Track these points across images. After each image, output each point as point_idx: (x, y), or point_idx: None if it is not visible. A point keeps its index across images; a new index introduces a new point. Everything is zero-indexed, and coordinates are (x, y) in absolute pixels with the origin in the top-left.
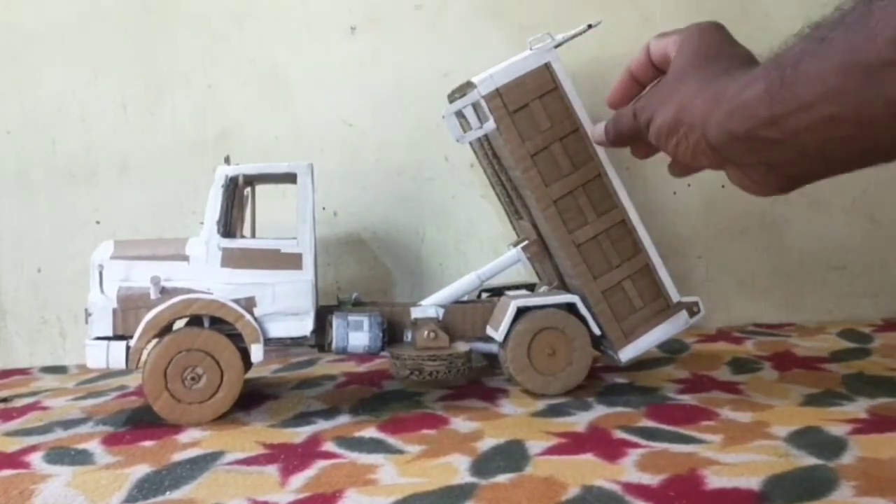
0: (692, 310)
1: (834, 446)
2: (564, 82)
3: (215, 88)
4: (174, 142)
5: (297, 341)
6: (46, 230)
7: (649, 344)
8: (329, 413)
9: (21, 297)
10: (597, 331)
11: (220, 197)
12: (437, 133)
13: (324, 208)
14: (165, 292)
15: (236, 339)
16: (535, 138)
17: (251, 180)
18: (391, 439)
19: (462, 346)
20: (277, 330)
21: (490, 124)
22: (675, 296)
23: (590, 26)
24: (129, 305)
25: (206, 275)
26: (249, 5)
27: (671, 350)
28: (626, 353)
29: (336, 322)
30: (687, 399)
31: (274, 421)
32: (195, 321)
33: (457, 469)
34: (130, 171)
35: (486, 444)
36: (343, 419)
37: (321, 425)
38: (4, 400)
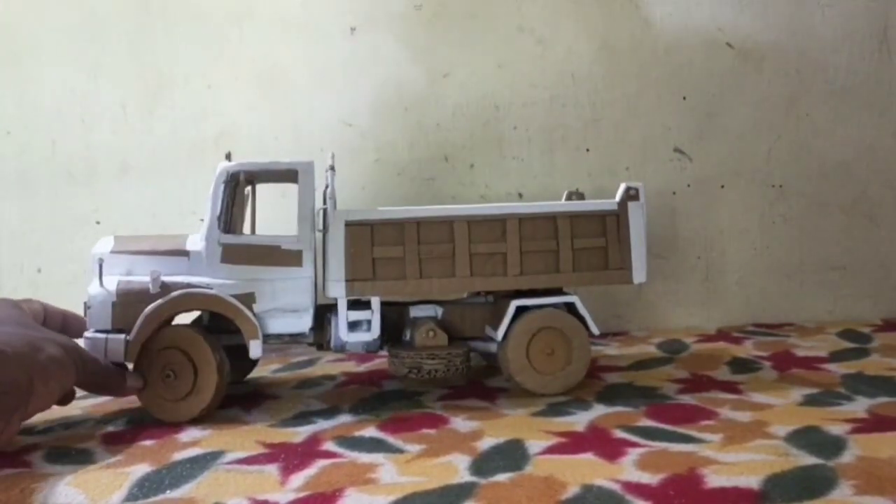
0: (631, 195)
1: (833, 446)
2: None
3: (215, 88)
4: (174, 142)
5: (295, 338)
6: (46, 230)
7: (641, 248)
8: (329, 412)
9: (21, 298)
10: (595, 330)
11: (220, 193)
12: (437, 133)
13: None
14: (165, 287)
15: (233, 336)
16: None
17: (252, 177)
18: (391, 438)
19: (461, 345)
20: (276, 326)
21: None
22: (611, 204)
23: None
24: (129, 299)
25: (206, 270)
26: (249, 5)
27: (671, 350)
28: (638, 275)
29: (335, 320)
30: (687, 399)
31: (274, 420)
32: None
33: (457, 468)
34: (130, 171)
35: (485, 443)
36: (343, 419)
37: (321, 425)
38: None
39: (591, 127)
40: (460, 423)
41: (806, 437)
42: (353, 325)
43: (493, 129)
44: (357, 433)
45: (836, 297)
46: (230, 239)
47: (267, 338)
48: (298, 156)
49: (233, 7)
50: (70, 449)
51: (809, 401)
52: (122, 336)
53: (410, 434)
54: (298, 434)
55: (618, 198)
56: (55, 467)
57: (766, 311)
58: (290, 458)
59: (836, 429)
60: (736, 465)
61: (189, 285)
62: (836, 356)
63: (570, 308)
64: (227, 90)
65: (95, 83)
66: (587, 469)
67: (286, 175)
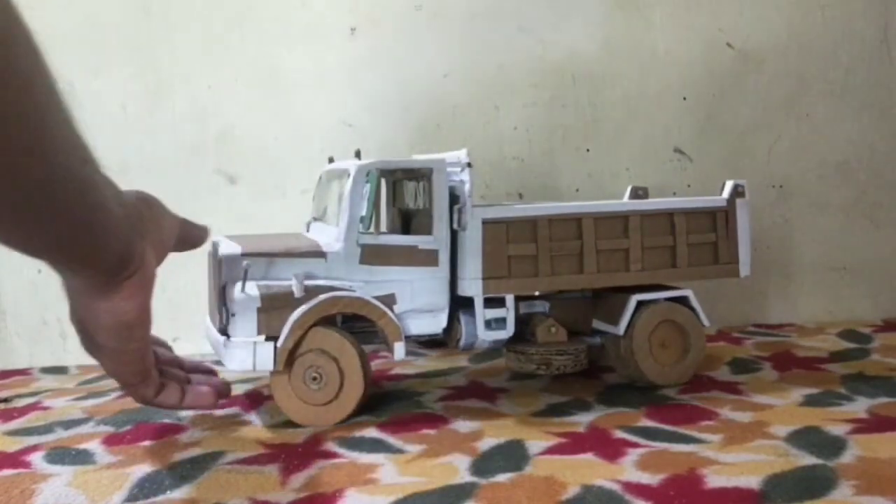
0: (738, 192)
1: (833, 446)
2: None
3: (215, 89)
4: (174, 142)
5: (430, 339)
6: None
7: (746, 243)
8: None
9: (21, 298)
10: (706, 323)
11: (363, 192)
12: (437, 133)
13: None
14: (308, 291)
15: (362, 337)
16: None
17: (384, 176)
18: (391, 439)
19: (581, 341)
20: (415, 327)
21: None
22: (720, 201)
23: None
24: (274, 304)
25: (345, 272)
26: (249, 6)
27: None
28: (744, 269)
29: (465, 319)
30: (687, 399)
31: (274, 421)
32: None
33: (457, 468)
34: (130, 172)
35: (486, 443)
36: None
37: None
38: (5, 400)
39: (591, 127)
40: (460, 424)
41: (806, 438)
42: (487, 324)
43: (493, 129)
44: (357, 433)
45: (836, 297)
46: (369, 239)
47: (406, 339)
48: (298, 156)
49: (233, 8)
50: (70, 449)
51: (810, 401)
52: (272, 343)
53: (410, 434)
54: (299, 434)
55: (726, 195)
56: (55, 467)
57: (766, 311)
58: (291, 458)
59: (836, 429)
60: (736, 465)
61: (332, 288)
62: (836, 356)
63: (684, 301)
64: (227, 90)
65: (95, 83)
66: (587, 469)
67: (418, 173)
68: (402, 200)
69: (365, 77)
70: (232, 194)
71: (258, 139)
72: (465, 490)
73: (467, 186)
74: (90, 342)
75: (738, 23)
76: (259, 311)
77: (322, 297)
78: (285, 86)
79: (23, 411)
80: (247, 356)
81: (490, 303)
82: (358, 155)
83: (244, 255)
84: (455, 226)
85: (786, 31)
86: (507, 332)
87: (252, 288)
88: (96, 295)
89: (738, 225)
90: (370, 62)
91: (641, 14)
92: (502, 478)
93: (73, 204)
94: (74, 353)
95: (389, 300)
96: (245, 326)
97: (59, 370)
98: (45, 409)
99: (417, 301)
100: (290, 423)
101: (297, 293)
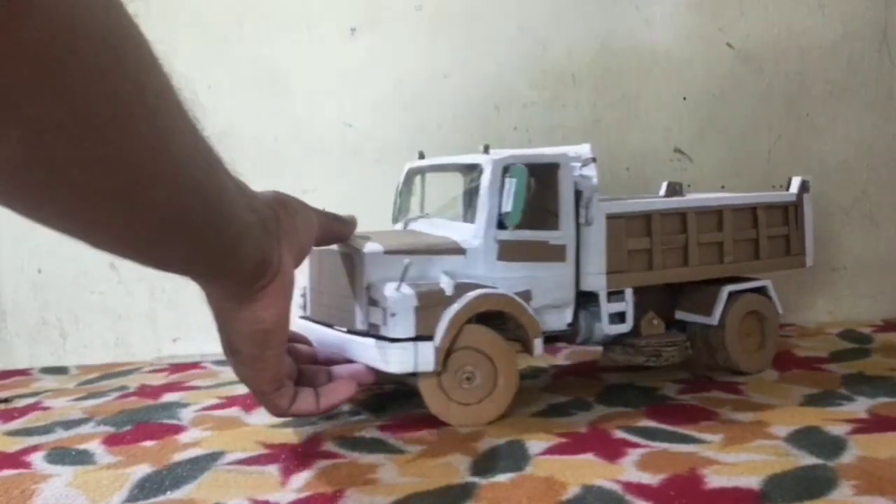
0: (805, 188)
1: (834, 446)
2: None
3: (215, 88)
4: None
5: (558, 335)
6: (46, 231)
7: (811, 235)
8: (329, 413)
9: (21, 298)
10: (781, 310)
11: (508, 187)
12: (437, 134)
13: (324, 209)
14: (457, 288)
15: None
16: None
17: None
18: (391, 439)
19: (681, 333)
20: (546, 323)
21: None
22: (791, 196)
23: None
24: (428, 303)
25: (483, 268)
26: (249, 5)
27: None
28: (809, 259)
29: (584, 314)
30: (687, 399)
31: (274, 421)
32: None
33: (457, 469)
34: None
35: (486, 443)
36: (343, 419)
37: (321, 425)
38: (5, 400)
39: (591, 127)
40: None
41: (806, 438)
42: (611, 318)
43: (493, 129)
44: (357, 433)
45: (836, 297)
46: (506, 235)
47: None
48: (298, 156)
49: (233, 7)
50: (71, 449)
51: (810, 401)
52: (432, 343)
53: (411, 434)
54: (299, 434)
55: (794, 190)
56: (55, 468)
57: None
58: (291, 458)
59: (837, 429)
60: (736, 465)
61: (476, 285)
62: (836, 356)
63: (763, 291)
64: (227, 90)
65: None
66: (587, 469)
67: (543, 167)
68: None
69: (365, 77)
70: None
71: (258, 139)
72: (465, 490)
73: (594, 181)
74: (228, 347)
75: (738, 23)
76: (416, 310)
77: (471, 294)
78: (285, 86)
79: (23, 411)
80: (408, 357)
81: (609, 297)
82: (486, 149)
83: (388, 252)
84: (581, 221)
85: (786, 31)
86: (627, 325)
87: (405, 287)
88: (236, 304)
89: (806, 222)
90: (370, 62)
91: (641, 14)
92: (502, 478)
93: (204, 220)
94: (74, 353)
95: (526, 296)
96: (404, 327)
97: (59, 370)
98: (45, 409)
99: (549, 297)
100: (290, 423)
101: (448, 291)
